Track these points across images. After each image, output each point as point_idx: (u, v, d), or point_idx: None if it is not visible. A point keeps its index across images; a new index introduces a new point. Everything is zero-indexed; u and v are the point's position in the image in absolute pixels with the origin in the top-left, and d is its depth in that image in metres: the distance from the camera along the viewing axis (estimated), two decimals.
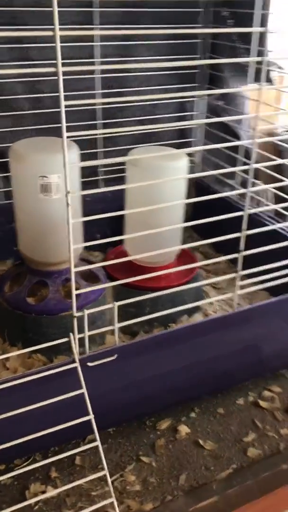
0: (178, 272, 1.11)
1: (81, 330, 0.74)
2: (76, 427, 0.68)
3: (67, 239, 0.95)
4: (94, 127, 1.25)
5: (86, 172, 1.21)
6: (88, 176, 1.26)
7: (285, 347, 0.97)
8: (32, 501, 0.75)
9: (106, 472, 0.66)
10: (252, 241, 0.83)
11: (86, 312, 0.73)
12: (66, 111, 1.19)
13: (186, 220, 0.95)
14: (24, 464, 0.84)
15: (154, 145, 1.25)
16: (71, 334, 0.73)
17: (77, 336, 0.73)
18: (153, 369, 0.84)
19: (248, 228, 0.81)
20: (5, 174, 1.20)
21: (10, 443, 0.64)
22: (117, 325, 0.77)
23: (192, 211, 1.23)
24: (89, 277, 1.05)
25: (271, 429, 0.90)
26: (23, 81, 1.14)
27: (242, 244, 0.82)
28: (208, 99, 1.34)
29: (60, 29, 0.54)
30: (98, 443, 0.67)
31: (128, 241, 1.06)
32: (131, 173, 0.99)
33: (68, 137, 0.63)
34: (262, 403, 0.96)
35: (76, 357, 0.70)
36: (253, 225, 0.83)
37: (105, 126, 1.26)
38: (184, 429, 0.90)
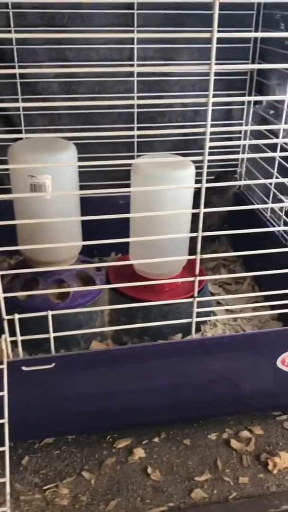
0: (183, 287, 1.05)
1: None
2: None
3: (59, 239, 0.97)
4: (131, 130, 1.23)
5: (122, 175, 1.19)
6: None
7: (270, 388, 0.88)
8: None
9: (6, 480, 0.66)
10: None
11: (17, 316, 0.73)
12: (103, 113, 1.21)
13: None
14: None
15: (166, 153, 1.20)
16: (3, 336, 0.73)
17: (9, 338, 0.73)
18: (100, 385, 0.82)
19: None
20: None
21: None
22: (53, 334, 0.75)
23: (230, 223, 1.17)
24: (87, 281, 1.04)
25: (230, 473, 0.82)
26: (60, 81, 1.17)
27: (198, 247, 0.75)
28: (257, 108, 1.25)
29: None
30: (5, 449, 0.66)
31: (132, 250, 1.04)
32: (133, 181, 0.96)
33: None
34: (234, 443, 0.88)
35: (5, 359, 0.71)
36: None
37: (143, 130, 1.23)
38: (139, 453, 0.86)
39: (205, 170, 0.68)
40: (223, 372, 0.85)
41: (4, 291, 1.00)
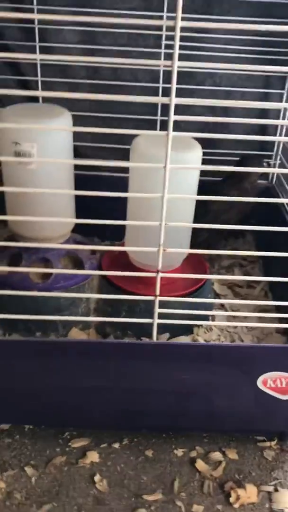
0: (181, 283, 0.95)
1: None
2: None
3: (45, 213, 0.90)
4: (156, 108, 1.14)
5: None
6: None
7: (249, 409, 0.77)
8: None
9: None
10: None
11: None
12: (126, 86, 1.12)
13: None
14: None
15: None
16: None
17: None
18: (60, 376, 0.74)
19: None
20: None
21: None
22: (13, 316, 0.69)
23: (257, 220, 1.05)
24: (75, 263, 0.97)
25: (185, 498, 0.73)
26: (82, 47, 1.09)
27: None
28: None
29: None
30: None
31: (127, 238, 0.95)
32: (131, 161, 0.87)
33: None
34: (200, 465, 0.78)
35: None
36: None
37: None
38: (92, 457, 0.78)
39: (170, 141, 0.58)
40: (195, 384, 0.74)
41: None
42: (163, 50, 1.09)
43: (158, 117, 1.15)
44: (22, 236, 0.93)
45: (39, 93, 1.08)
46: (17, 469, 0.76)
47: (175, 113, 0.56)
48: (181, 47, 0.51)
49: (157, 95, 1.13)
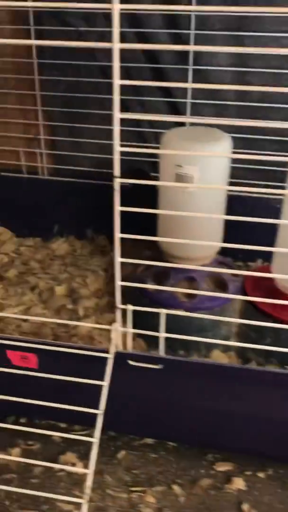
0: None
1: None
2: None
3: (196, 235, 0.91)
4: None
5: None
6: None
7: None
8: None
9: (89, 472, 0.63)
10: None
11: (131, 307, 0.69)
12: (275, 108, 1.11)
13: None
14: (80, 432, 0.87)
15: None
16: (113, 324, 0.70)
17: (120, 328, 0.70)
18: (208, 398, 0.75)
19: None
20: None
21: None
22: (163, 335, 0.70)
23: None
24: (219, 284, 0.97)
25: None
26: (234, 70, 1.09)
27: None
28: None
29: None
30: (95, 440, 0.64)
31: (275, 263, 0.93)
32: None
33: None
34: None
35: (112, 349, 0.68)
36: None
37: None
38: (238, 484, 0.78)
39: None
40: None
41: (137, 279, 0.99)
42: None
43: None
44: (171, 255, 0.96)
45: (191, 119, 1.11)
46: (165, 486, 0.77)
47: None
48: None
49: None
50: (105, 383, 0.66)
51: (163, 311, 0.70)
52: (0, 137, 1.31)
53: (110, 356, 0.68)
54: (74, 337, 0.97)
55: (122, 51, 0.55)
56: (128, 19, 1.10)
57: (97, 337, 0.97)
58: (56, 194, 1.29)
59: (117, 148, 0.57)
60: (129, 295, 1.00)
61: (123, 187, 0.66)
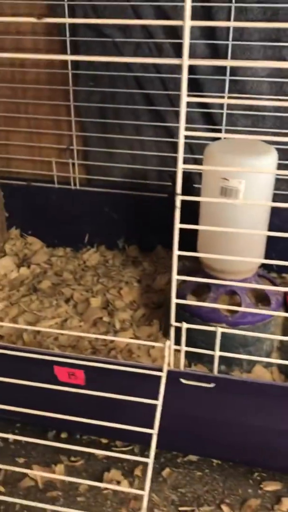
0: None
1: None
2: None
3: (240, 249, 0.90)
4: None
5: None
6: None
7: None
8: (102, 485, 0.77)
9: (145, 494, 0.62)
10: None
11: (185, 325, 0.68)
12: None
13: None
14: (123, 448, 0.86)
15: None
16: (167, 342, 0.69)
17: (173, 346, 0.69)
18: (257, 417, 0.73)
19: None
20: None
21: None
22: (218, 353, 0.69)
23: None
24: (261, 298, 0.96)
25: None
26: (271, 81, 1.09)
27: None
28: None
29: None
30: (150, 461, 0.63)
31: None
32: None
33: None
34: None
35: (165, 367, 0.67)
36: None
37: None
38: None
39: None
40: None
41: (178, 294, 0.98)
42: None
43: None
44: (211, 268, 0.94)
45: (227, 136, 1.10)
46: (213, 506, 0.76)
47: None
48: None
49: None
50: (159, 402, 0.65)
51: (219, 330, 0.69)
52: (32, 148, 1.32)
53: (164, 375, 0.67)
54: (113, 351, 0.96)
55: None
56: (167, 31, 1.09)
57: (135, 350, 0.96)
58: (87, 204, 1.29)
59: (182, 133, 0.56)
60: (167, 309, 0.99)
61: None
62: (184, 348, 0.70)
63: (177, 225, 0.62)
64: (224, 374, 0.89)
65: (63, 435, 0.88)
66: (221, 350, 0.72)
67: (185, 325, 0.69)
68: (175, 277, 0.66)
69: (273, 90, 1.11)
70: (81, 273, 1.22)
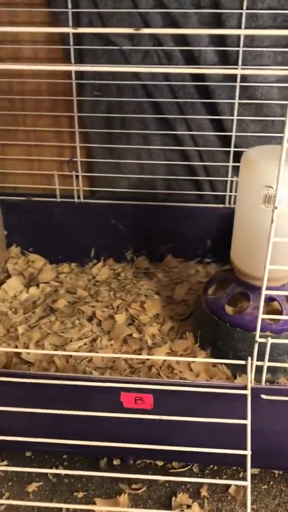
0: None
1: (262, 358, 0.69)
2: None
3: (281, 256, 0.90)
4: None
5: None
6: None
7: None
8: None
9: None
10: None
11: (271, 340, 0.67)
12: None
13: None
14: (181, 469, 0.83)
15: None
16: (249, 359, 0.67)
17: (255, 362, 0.67)
18: None
19: None
20: None
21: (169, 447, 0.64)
22: (267, 363, 0.68)
23: None
24: None
25: None
26: (280, 86, 1.10)
27: None
28: None
29: None
30: (247, 483, 0.61)
31: None
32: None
33: None
34: None
35: (249, 385, 0.65)
36: None
37: None
38: None
39: None
40: None
41: (210, 302, 0.97)
42: None
43: None
44: (247, 275, 0.93)
45: None
46: None
47: None
48: None
49: None
50: (248, 421, 0.63)
51: (270, 340, 0.68)
52: (31, 161, 1.26)
53: (248, 392, 0.65)
54: (153, 368, 0.93)
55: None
56: (176, 39, 1.08)
57: (175, 366, 0.94)
58: (92, 216, 1.25)
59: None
60: (203, 319, 0.98)
61: None
62: (267, 363, 0.68)
63: (271, 239, 0.60)
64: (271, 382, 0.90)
65: (116, 462, 0.84)
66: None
67: (270, 340, 0.67)
68: (264, 292, 0.64)
69: (282, 95, 1.12)
70: (94, 289, 1.18)
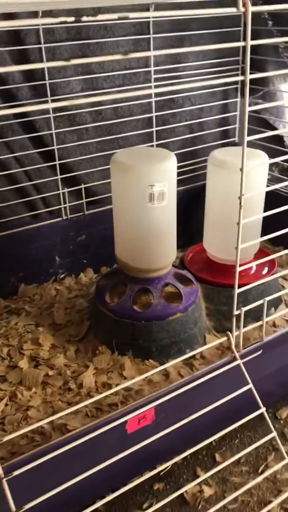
0: (258, 268, 1.13)
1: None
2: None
3: (167, 246, 0.98)
4: (151, 134, 1.27)
5: None
6: None
7: None
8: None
9: (274, 434, 0.68)
10: None
11: (243, 309, 0.75)
12: (124, 122, 1.22)
13: None
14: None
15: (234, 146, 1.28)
16: (229, 333, 0.75)
17: (235, 333, 0.75)
18: None
19: None
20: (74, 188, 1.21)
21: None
22: (265, 319, 0.79)
23: None
24: (183, 280, 1.06)
25: None
26: (86, 94, 1.15)
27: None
28: (250, 99, 1.39)
29: None
30: (262, 410, 0.68)
31: (208, 240, 1.08)
32: (215, 174, 1.02)
33: None
34: None
35: (237, 354, 0.72)
36: None
37: (159, 132, 1.29)
38: None
39: None
40: None
41: (116, 309, 0.98)
42: (153, 84, 1.23)
43: (154, 142, 1.29)
44: (147, 270, 0.98)
45: None
46: None
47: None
48: None
49: (150, 126, 1.27)
50: (250, 385, 0.71)
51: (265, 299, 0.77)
52: None
53: (239, 361, 0.72)
54: (91, 391, 0.91)
55: None
56: None
57: (110, 381, 0.93)
58: None
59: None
60: (113, 327, 0.98)
61: None
62: (242, 330, 0.76)
63: (241, 222, 0.66)
64: None
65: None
66: None
67: (243, 309, 0.75)
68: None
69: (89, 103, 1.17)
70: None
